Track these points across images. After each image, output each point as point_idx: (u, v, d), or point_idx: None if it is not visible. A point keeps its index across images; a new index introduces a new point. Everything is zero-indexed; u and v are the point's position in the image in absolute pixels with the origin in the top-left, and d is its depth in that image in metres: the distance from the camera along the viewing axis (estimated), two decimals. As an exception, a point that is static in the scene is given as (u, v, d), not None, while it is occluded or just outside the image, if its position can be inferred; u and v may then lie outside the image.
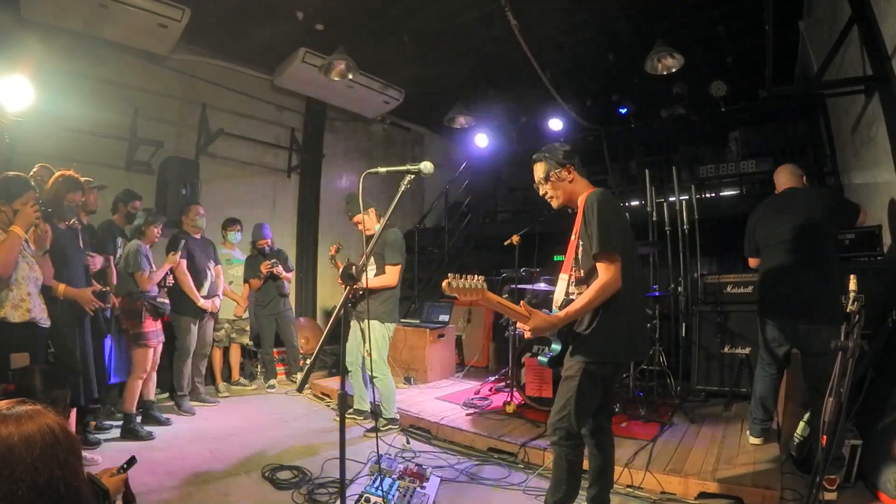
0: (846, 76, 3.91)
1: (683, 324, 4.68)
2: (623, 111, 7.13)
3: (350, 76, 5.28)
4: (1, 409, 0.95)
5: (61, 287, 2.96)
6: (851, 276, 1.92)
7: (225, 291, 4.86)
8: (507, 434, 3.46)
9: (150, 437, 3.57)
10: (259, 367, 5.56)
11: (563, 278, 2.26)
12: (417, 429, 3.83)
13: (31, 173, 2.98)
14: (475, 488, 2.85)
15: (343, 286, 2.14)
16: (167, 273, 4.05)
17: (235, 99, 6.18)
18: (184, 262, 4.26)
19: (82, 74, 4.75)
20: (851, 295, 1.87)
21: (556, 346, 2.22)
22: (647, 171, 5.14)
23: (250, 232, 5.41)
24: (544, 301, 4.08)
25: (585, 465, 2.31)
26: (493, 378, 4.89)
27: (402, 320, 4.97)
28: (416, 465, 2.80)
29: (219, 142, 5.86)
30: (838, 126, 5.30)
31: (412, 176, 1.97)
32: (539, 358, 2.37)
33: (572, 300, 2.13)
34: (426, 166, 1.95)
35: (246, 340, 5.29)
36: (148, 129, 5.22)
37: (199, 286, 4.39)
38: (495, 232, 7.65)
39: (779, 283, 3.04)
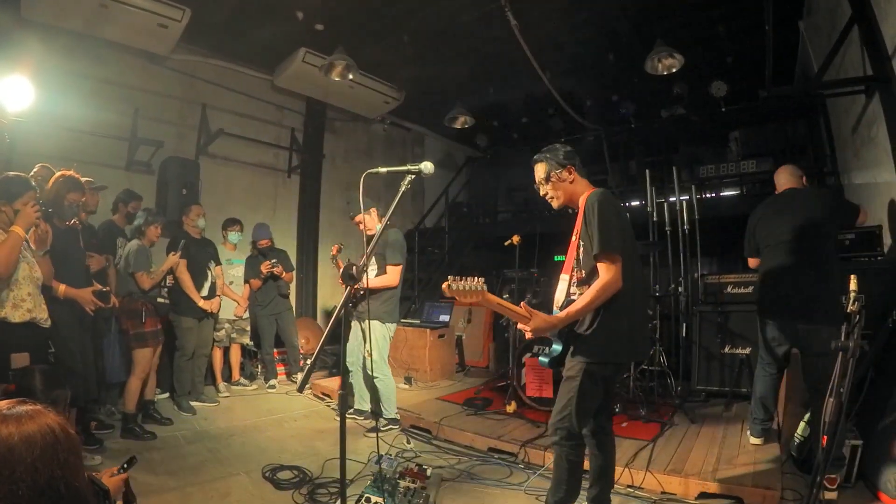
0: (846, 76, 3.91)
1: (684, 324, 4.67)
2: (623, 112, 7.12)
3: (350, 76, 5.28)
4: (1, 409, 0.95)
5: (62, 287, 2.95)
6: (852, 277, 1.92)
7: (225, 291, 4.86)
8: (508, 434, 3.46)
9: (150, 437, 3.56)
10: (259, 367, 5.56)
11: (563, 279, 2.26)
12: (418, 429, 3.83)
13: (32, 173, 2.97)
14: (475, 488, 2.85)
15: (344, 286, 2.14)
16: (167, 273, 4.05)
17: (235, 99, 6.18)
18: (184, 262, 4.26)
19: (82, 74, 4.75)
20: (852, 295, 1.87)
21: (557, 347, 2.22)
22: (647, 171, 5.13)
23: (250, 232, 5.41)
24: (544, 301, 4.08)
25: (586, 465, 2.32)
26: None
27: (402, 320, 4.97)
28: (417, 465, 2.80)
29: (219, 142, 5.86)
30: (838, 126, 5.29)
31: (412, 176, 1.98)
32: (540, 358, 2.37)
33: (574, 300, 2.13)
34: (426, 166, 1.95)
35: (246, 340, 5.28)
36: (148, 130, 5.22)
37: (199, 286, 4.38)
38: (495, 232, 7.66)
39: (779, 284, 3.04)
